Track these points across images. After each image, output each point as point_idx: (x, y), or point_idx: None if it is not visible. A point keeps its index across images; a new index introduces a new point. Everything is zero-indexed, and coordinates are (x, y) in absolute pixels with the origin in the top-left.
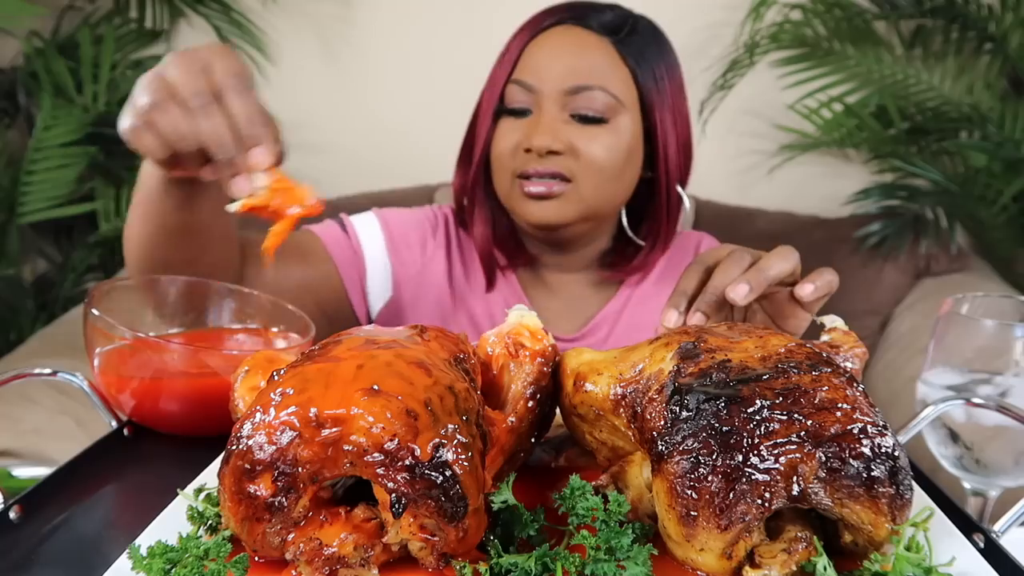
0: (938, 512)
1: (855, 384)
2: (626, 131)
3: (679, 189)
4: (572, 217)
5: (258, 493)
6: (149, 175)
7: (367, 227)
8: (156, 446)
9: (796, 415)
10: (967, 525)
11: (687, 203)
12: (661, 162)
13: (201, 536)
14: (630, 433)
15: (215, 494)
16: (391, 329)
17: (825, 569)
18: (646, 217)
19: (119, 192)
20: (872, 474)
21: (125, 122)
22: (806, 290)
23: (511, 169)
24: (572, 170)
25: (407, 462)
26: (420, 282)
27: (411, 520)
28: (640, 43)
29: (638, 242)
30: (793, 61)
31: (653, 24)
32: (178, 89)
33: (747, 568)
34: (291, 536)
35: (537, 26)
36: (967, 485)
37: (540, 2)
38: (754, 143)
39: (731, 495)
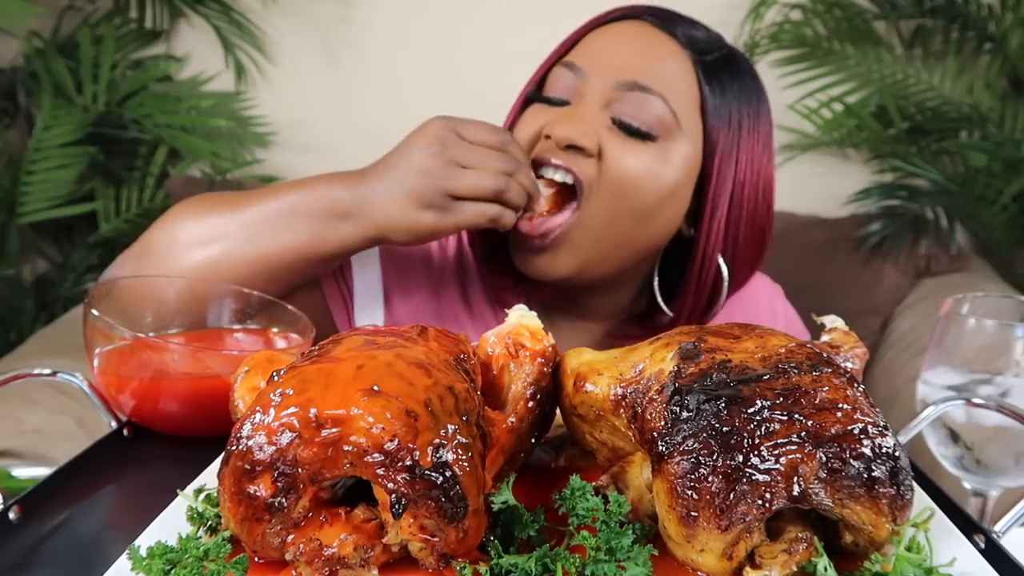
0: (939, 512)
1: (855, 384)
2: (677, 160)
3: (720, 261)
4: (570, 268)
5: (258, 494)
6: (337, 241)
7: (364, 261)
8: (156, 446)
9: (796, 415)
10: (968, 525)
11: (726, 277)
12: (705, 219)
13: (201, 537)
14: (630, 433)
15: (215, 495)
16: (391, 329)
17: (826, 570)
18: (680, 286)
19: (119, 192)
20: (873, 474)
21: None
22: None
23: None
24: (589, 178)
25: (407, 462)
26: (430, 311)
27: (411, 521)
28: (726, 75)
29: (666, 311)
30: (793, 61)
31: (751, 66)
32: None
33: (748, 568)
34: (291, 537)
35: (607, 16)
36: (967, 485)
37: (534, 6)
38: None
39: (731, 495)
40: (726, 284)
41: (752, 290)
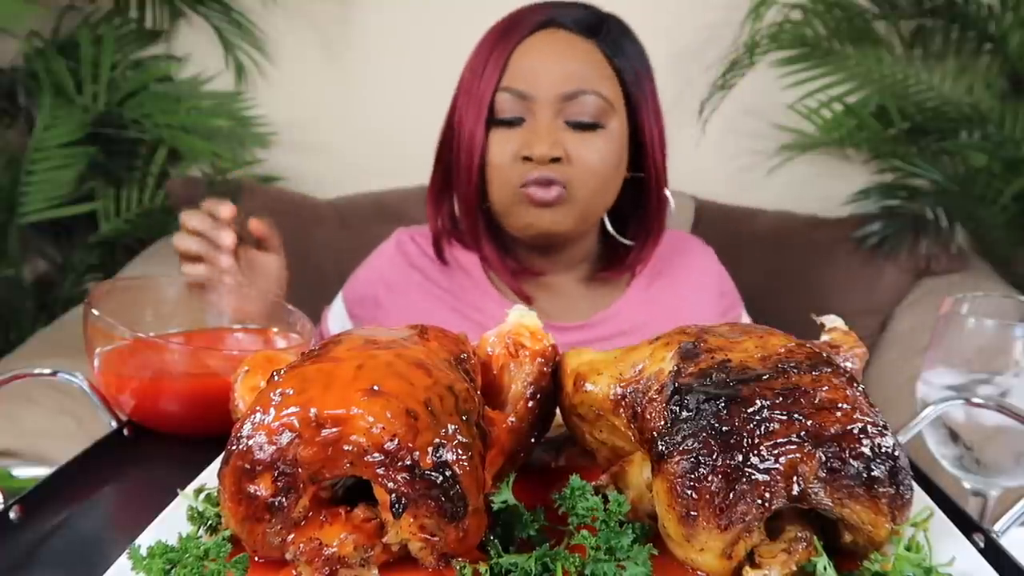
0: (938, 512)
1: (855, 384)
2: (617, 135)
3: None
4: (571, 223)
5: (258, 493)
6: None
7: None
8: (156, 446)
9: (796, 415)
10: (967, 525)
11: (672, 201)
12: (649, 161)
13: (201, 536)
14: (630, 433)
15: (215, 494)
16: (391, 329)
17: (825, 569)
18: (633, 216)
19: (119, 192)
20: (872, 474)
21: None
22: None
23: (511, 180)
24: (567, 176)
25: (407, 462)
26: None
27: (411, 520)
28: (619, 42)
29: (622, 241)
30: (793, 61)
31: (623, 21)
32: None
33: (747, 568)
34: (291, 536)
35: (518, 31)
36: (967, 485)
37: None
38: (754, 143)
39: (731, 495)
40: (672, 203)
41: (687, 247)
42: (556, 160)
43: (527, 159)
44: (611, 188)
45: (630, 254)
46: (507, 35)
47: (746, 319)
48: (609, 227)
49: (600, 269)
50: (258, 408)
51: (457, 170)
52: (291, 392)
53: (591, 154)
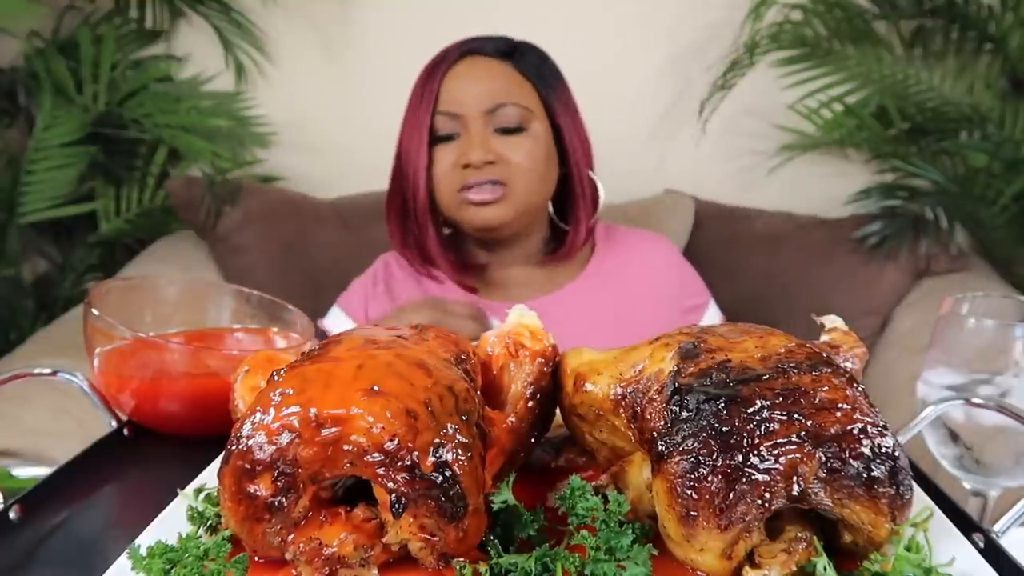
0: (938, 512)
1: (855, 384)
2: (541, 135)
3: (591, 174)
4: (511, 216)
5: (258, 493)
6: None
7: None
8: (156, 446)
9: (796, 415)
10: (967, 525)
11: (601, 187)
12: (571, 157)
13: (201, 536)
14: (630, 433)
15: (215, 494)
16: (391, 329)
17: (825, 569)
18: (571, 207)
19: (119, 192)
20: (872, 474)
21: None
22: None
23: (453, 185)
24: (504, 175)
25: (407, 462)
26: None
27: (411, 520)
28: (532, 62)
29: (561, 225)
30: (793, 61)
31: (538, 48)
32: None
33: (747, 568)
34: (291, 536)
35: (445, 62)
36: (967, 485)
37: (534, 5)
38: (754, 143)
39: (731, 495)
40: (601, 190)
41: (644, 242)
42: (491, 163)
43: (466, 166)
44: (545, 183)
45: (568, 238)
46: (436, 68)
47: (713, 309)
48: (553, 216)
49: (547, 254)
50: (258, 408)
51: (408, 187)
52: (291, 392)
53: (521, 153)
